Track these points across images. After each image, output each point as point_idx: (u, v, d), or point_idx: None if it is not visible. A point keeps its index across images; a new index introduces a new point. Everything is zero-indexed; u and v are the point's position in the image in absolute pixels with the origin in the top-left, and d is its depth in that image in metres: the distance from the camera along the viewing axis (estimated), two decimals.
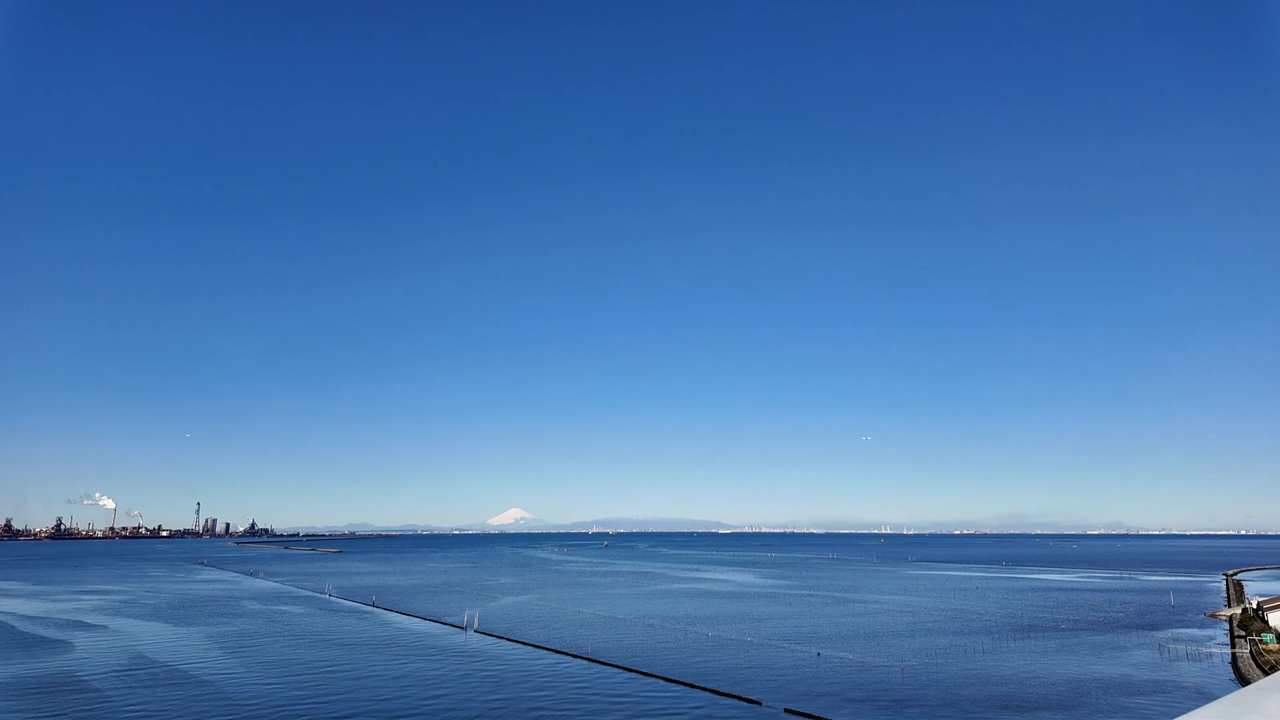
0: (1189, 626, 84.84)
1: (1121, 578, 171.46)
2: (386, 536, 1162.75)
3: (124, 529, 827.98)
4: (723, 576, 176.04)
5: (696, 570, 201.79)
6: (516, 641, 73.12)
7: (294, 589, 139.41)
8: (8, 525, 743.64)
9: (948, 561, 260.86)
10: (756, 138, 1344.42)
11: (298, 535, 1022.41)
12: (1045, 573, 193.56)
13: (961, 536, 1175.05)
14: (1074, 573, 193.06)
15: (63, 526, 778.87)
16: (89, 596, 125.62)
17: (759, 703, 48.71)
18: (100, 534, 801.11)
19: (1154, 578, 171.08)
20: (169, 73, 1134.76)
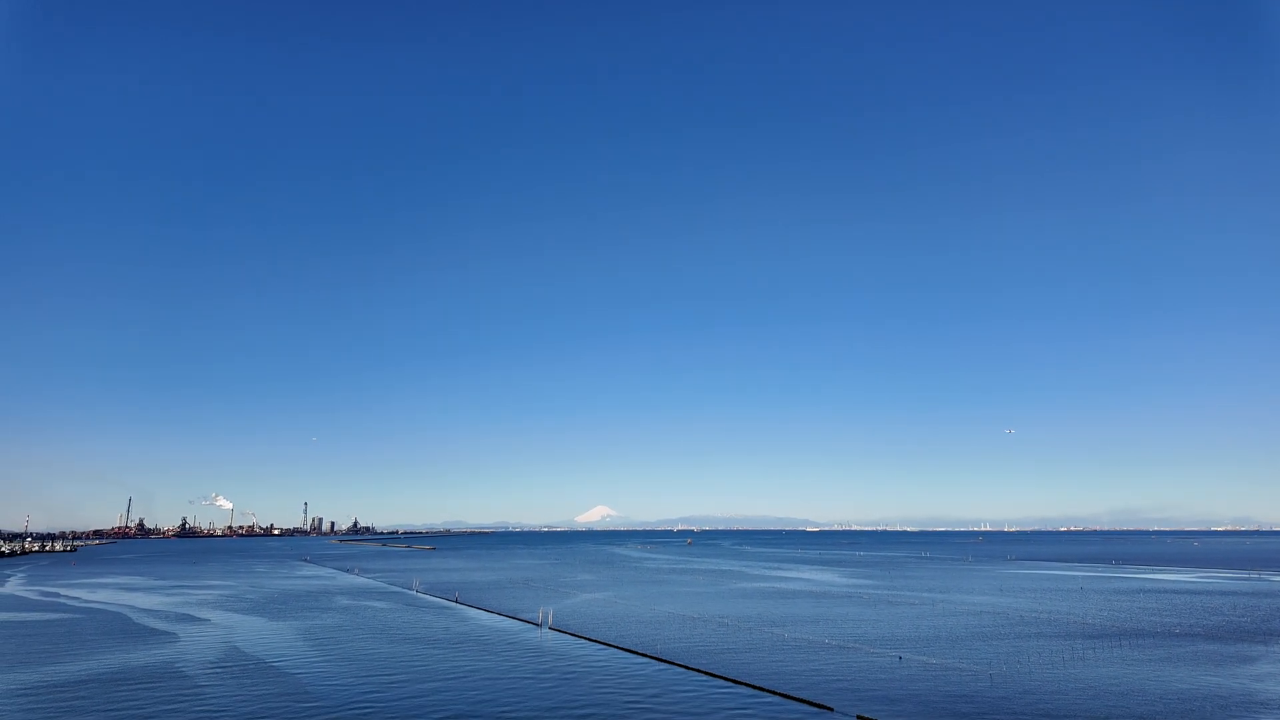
0: None
1: (1249, 578, 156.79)
2: (479, 533, 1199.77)
3: (240, 528, 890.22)
4: (805, 575, 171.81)
5: (778, 569, 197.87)
6: (588, 639, 73.15)
7: (384, 585, 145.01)
8: (140, 524, 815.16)
9: (1050, 560, 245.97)
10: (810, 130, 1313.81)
11: (396, 533, 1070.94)
12: (1160, 572, 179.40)
13: (1068, 534, 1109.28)
14: (1193, 573, 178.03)
15: (187, 525, 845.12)
16: (199, 591, 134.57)
17: (830, 708, 46.58)
18: (220, 532, 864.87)
19: None
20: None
